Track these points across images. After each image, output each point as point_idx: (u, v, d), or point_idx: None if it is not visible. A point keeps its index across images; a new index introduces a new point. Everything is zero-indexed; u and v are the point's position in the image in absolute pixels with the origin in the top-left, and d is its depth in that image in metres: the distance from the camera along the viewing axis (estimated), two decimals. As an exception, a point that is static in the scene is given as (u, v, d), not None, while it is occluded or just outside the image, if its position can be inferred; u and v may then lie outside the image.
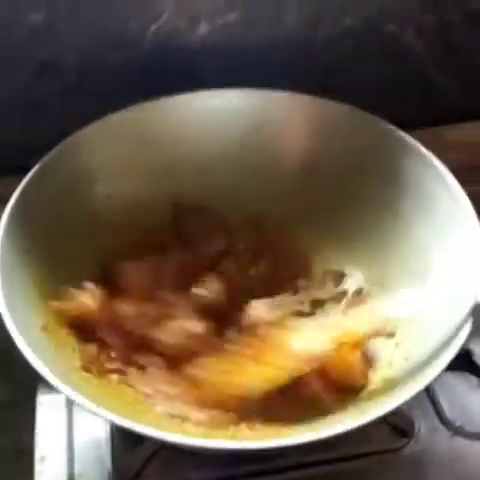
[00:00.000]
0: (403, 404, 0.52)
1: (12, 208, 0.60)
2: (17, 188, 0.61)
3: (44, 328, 0.58)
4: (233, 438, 0.56)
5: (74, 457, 0.63)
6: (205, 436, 0.55)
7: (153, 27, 0.70)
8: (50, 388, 0.65)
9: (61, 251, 0.63)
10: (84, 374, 0.58)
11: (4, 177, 0.69)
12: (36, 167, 0.63)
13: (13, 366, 0.78)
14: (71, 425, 0.65)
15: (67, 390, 0.51)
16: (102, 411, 0.50)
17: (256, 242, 0.71)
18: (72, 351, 0.59)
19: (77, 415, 0.66)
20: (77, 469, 0.62)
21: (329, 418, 0.57)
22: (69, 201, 0.65)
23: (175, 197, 0.70)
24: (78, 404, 0.51)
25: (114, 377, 0.60)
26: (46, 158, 0.64)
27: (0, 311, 0.54)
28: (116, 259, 0.67)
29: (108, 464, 0.62)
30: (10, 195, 0.61)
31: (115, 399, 0.57)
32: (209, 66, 0.73)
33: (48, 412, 0.66)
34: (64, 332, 0.59)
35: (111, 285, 0.64)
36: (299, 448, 0.58)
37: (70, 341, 0.60)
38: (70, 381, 0.53)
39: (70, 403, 0.66)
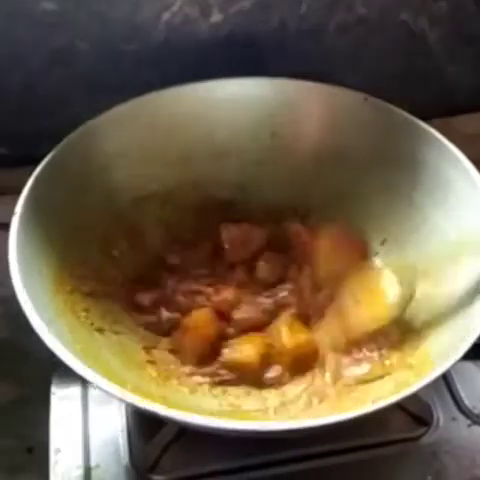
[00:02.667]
0: (421, 390, 0.52)
1: (26, 196, 0.60)
2: (31, 176, 0.61)
3: (60, 313, 0.57)
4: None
5: (90, 448, 0.62)
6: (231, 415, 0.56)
7: (165, 15, 0.70)
8: (64, 380, 0.66)
9: (75, 238, 0.63)
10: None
11: (15, 168, 0.69)
12: (51, 154, 0.62)
13: (22, 364, 0.78)
14: (86, 417, 0.65)
15: (85, 372, 0.50)
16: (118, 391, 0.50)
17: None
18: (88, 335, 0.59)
19: (92, 407, 0.65)
20: (93, 460, 0.62)
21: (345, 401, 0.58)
22: (83, 188, 0.65)
23: (193, 185, 0.70)
24: (95, 384, 0.50)
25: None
26: (61, 145, 0.63)
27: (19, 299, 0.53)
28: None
29: (124, 455, 0.62)
30: (22, 186, 0.60)
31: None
32: (221, 54, 0.72)
33: (62, 404, 0.66)
34: (81, 316, 0.59)
35: None
36: (318, 436, 0.58)
37: (85, 325, 0.60)
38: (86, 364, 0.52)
39: (85, 395, 0.66)
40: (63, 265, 0.60)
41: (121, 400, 0.51)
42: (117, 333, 0.62)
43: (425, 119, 0.68)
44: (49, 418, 0.65)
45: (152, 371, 0.61)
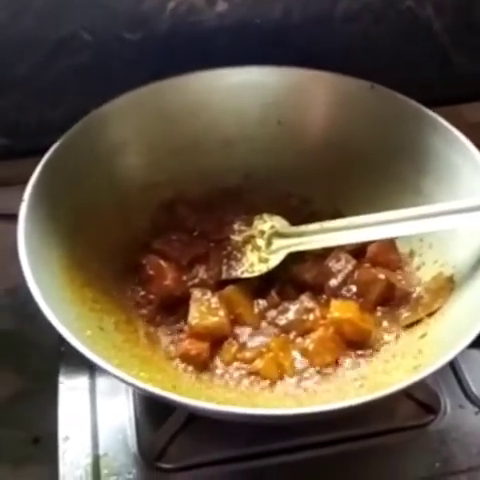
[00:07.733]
0: (428, 378, 0.52)
1: (34, 184, 0.60)
2: (38, 164, 0.61)
3: (68, 301, 0.57)
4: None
5: (98, 437, 0.62)
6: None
7: (171, 4, 0.69)
8: (71, 370, 0.66)
9: (82, 227, 0.63)
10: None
11: (18, 160, 0.69)
12: (58, 143, 0.62)
13: (27, 355, 0.78)
14: (94, 406, 0.65)
15: (91, 355, 0.51)
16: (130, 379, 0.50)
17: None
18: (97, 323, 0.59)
19: (100, 396, 0.65)
20: (101, 449, 0.62)
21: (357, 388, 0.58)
22: (90, 176, 0.65)
23: (199, 173, 0.70)
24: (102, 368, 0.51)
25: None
26: (68, 134, 0.63)
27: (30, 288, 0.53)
28: (140, 236, 0.67)
29: (133, 444, 0.62)
30: (25, 178, 0.60)
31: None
32: (227, 44, 0.72)
33: (70, 394, 0.65)
34: (87, 306, 0.59)
35: None
36: (326, 423, 0.58)
37: (94, 315, 0.60)
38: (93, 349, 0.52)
39: (93, 385, 0.66)
40: (71, 254, 0.60)
41: (133, 386, 0.51)
42: (126, 323, 0.62)
43: (431, 107, 0.68)
44: (56, 408, 0.65)
45: (162, 359, 0.61)
